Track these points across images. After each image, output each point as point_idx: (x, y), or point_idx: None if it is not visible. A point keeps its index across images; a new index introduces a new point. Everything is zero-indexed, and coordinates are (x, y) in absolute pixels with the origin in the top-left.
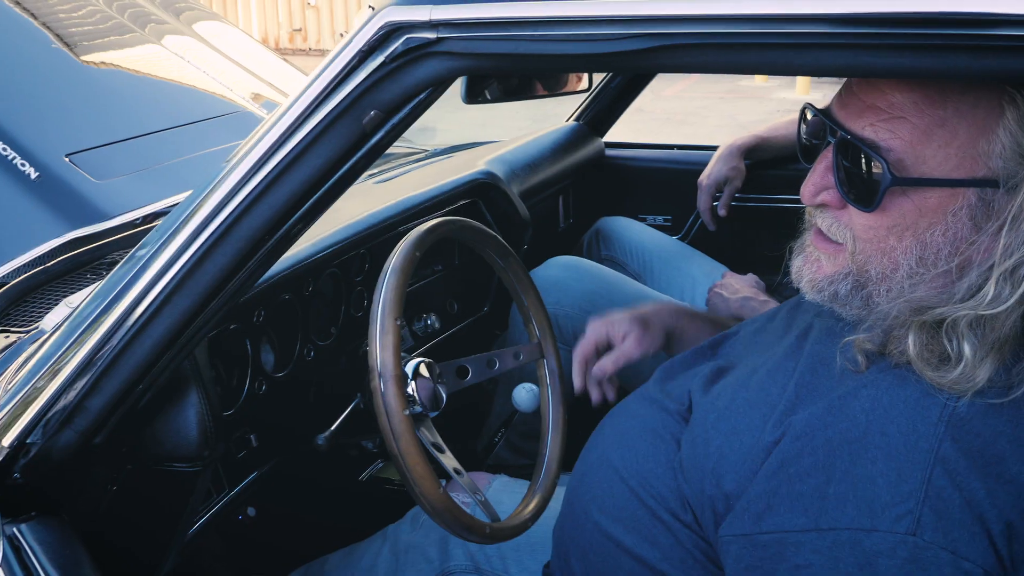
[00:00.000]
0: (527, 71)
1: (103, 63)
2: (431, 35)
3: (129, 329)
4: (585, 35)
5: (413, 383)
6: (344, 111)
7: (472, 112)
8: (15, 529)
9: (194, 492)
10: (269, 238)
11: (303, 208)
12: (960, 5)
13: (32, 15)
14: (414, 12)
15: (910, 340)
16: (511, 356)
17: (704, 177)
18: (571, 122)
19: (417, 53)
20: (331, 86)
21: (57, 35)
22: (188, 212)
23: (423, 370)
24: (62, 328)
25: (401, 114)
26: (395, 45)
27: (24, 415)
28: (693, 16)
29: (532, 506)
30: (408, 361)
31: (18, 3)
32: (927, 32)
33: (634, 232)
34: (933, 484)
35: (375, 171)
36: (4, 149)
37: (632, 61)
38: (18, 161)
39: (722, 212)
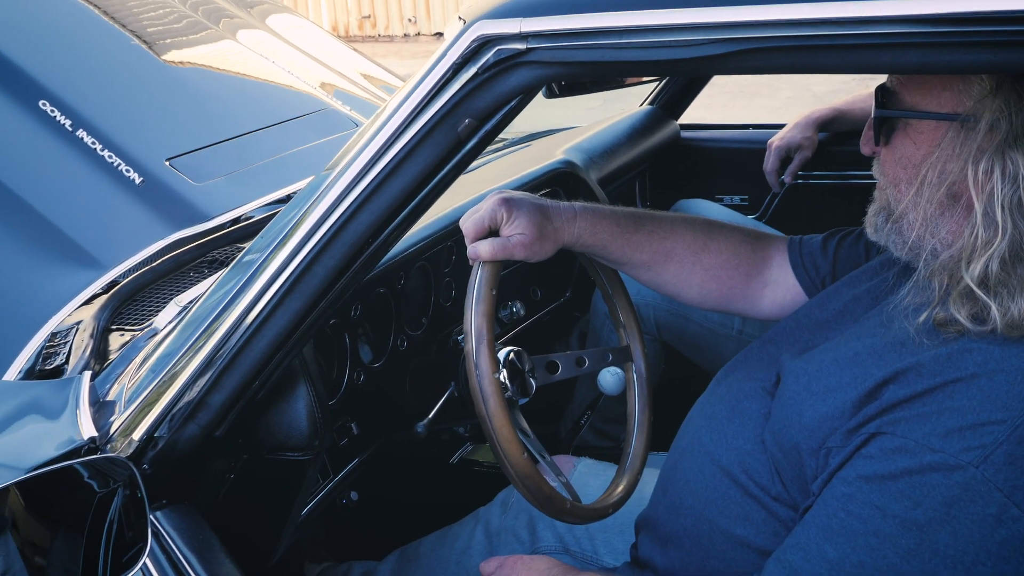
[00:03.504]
0: (613, 76)
1: (186, 62)
2: (521, 46)
3: (246, 330)
4: (666, 42)
5: (504, 370)
6: (440, 120)
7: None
8: (152, 517)
9: (305, 479)
10: (373, 241)
11: (404, 212)
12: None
13: (113, 18)
14: (505, 25)
15: (956, 312)
16: (600, 357)
17: (776, 139)
18: (646, 106)
19: (508, 64)
20: (428, 97)
21: (138, 36)
22: (296, 219)
23: (514, 358)
24: (178, 328)
25: (493, 121)
26: (487, 56)
27: (151, 411)
28: (769, 21)
29: (616, 494)
30: (500, 349)
31: (98, 7)
32: (998, 29)
33: (712, 213)
34: (1019, 431)
35: None
36: (110, 157)
37: (712, 65)
38: (123, 168)
39: (787, 179)
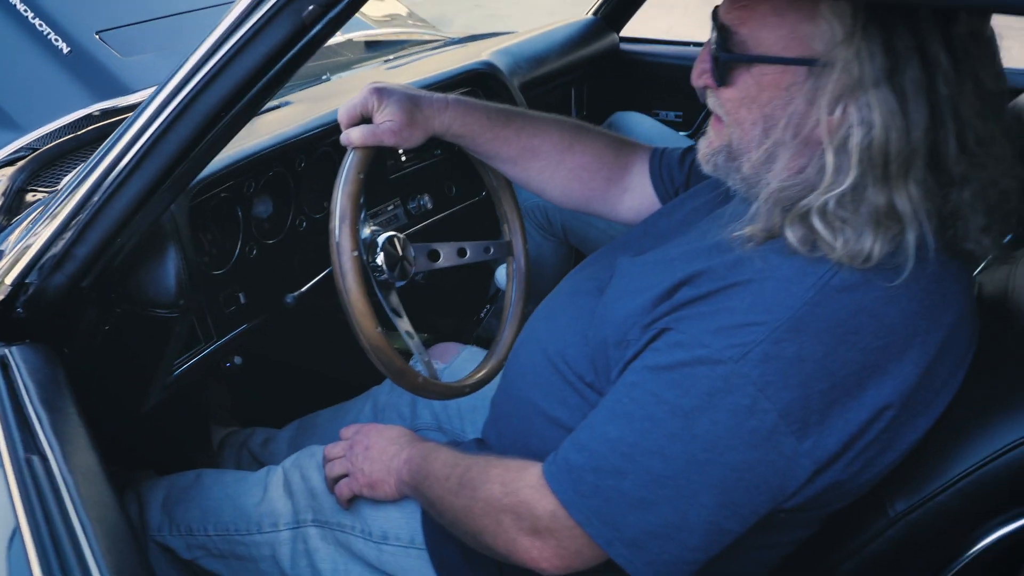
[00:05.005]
0: None
1: None
2: None
3: (107, 188)
4: None
5: (382, 253)
6: (285, 4)
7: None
8: (7, 351)
9: (171, 336)
10: (224, 115)
11: (252, 91)
12: None
13: None
14: None
15: (787, 233)
16: (482, 249)
17: None
18: (588, 16)
19: None
20: None
21: None
22: (157, 92)
23: (393, 244)
24: (63, 186)
25: (339, 8)
26: None
27: (23, 258)
28: None
29: (477, 376)
30: (381, 233)
31: None
32: None
33: (644, 128)
34: (776, 333)
35: (390, 56)
36: (40, 25)
37: None
38: (52, 37)
39: None
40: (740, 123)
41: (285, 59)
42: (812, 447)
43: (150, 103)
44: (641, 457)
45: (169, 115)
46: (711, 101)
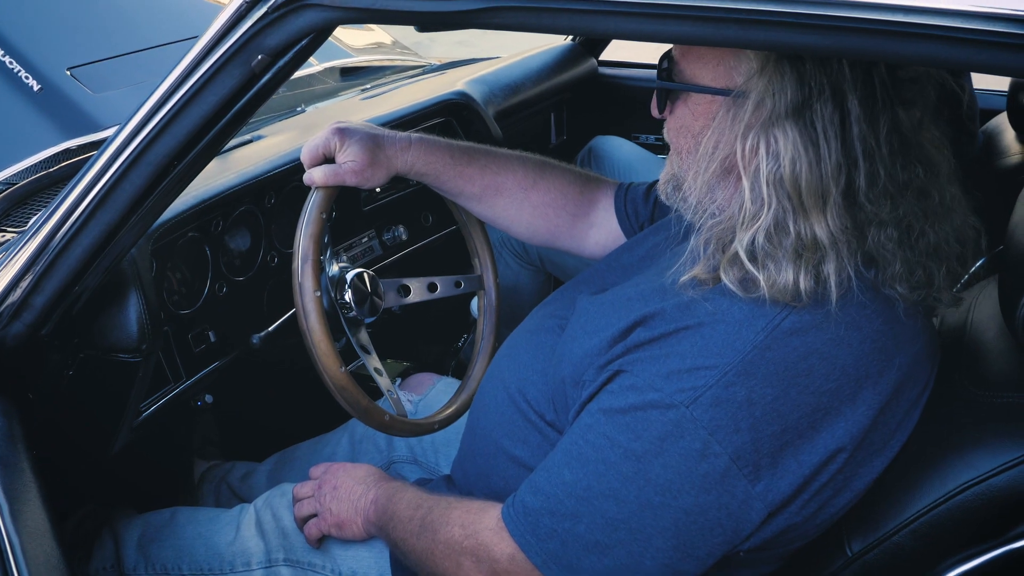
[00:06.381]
0: (392, 23)
1: None
2: None
3: (62, 238)
4: None
5: (350, 290)
6: (234, 55)
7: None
8: None
9: (136, 380)
10: (176, 164)
11: (204, 139)
12: None
13: None
14: None
15: (724, 277)
16: (452, 283)
17: None
18: (567, 42)
19: (296, 5)
20: (222, 31)
21: None
22: (111, 139)
23: (362, 280)
24: (27, 229)
25: (286, 58)
26: None
27: None
28: None
29: (447, 412)
30: (350, 270)
31: None
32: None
33: (624, 151)
34: (727, 377)
35: (367, 85)
36: (10, 63)
37: (471, 19)
38: (23, 74)
39: None
40: (679, 151)
41: (236, 108)
42: (765, 490)
43: (103, 152)
44: (596, 500)
45: (121, 164)
46: (664, 131)
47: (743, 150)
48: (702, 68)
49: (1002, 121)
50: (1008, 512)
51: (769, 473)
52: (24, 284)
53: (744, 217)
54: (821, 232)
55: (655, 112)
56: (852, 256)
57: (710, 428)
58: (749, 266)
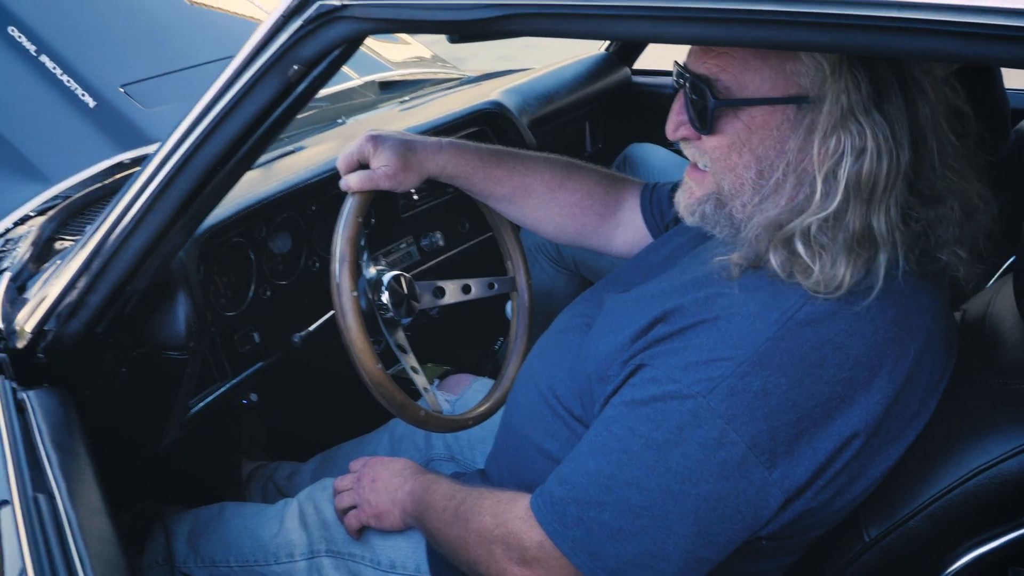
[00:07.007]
0: (416, 32)
1: None
2: (337, 2)
3: (115, 239)
4: (451, 4)
5: (387, 292)
6: (272, 65)
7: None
8: (25, 394)
9: (184, 376)
10: (220, 169)
11: (245, 146)
12: None
13: None
14: None
15: (771, 257)
16: (486, 285)
17: None
18: (601, 51)
19: (328, 17)
20: (261, 44)
21: None
22: (159, 148)
23: (398, 282)
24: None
25: (320, 68)
26: (310, 11)
27: (42, 306)
28: None
29: (480, 410)
30: (386, 272)
31: None
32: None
33: (658, 159)
34: (742, 368)
35: (405, 97)
36: (68, 81)
37: (491, 27)
38: (79, 91)
39: None
40: (732, 168)
41: (274, 115)
42: (781, 476)
43: (153, 158)
44: (619, 489)
45: (169, 171)
46: (690, 151)
47: (821, 151)
48: (754, 79)
49: None
50: (1020, 496)
51: (785, 460)
52: (81, 284)
53: (806, 208)
54: (879, 223)
55: (680, 134)
56: (903, 241)
57: (727, 417)
58: (802, 251)
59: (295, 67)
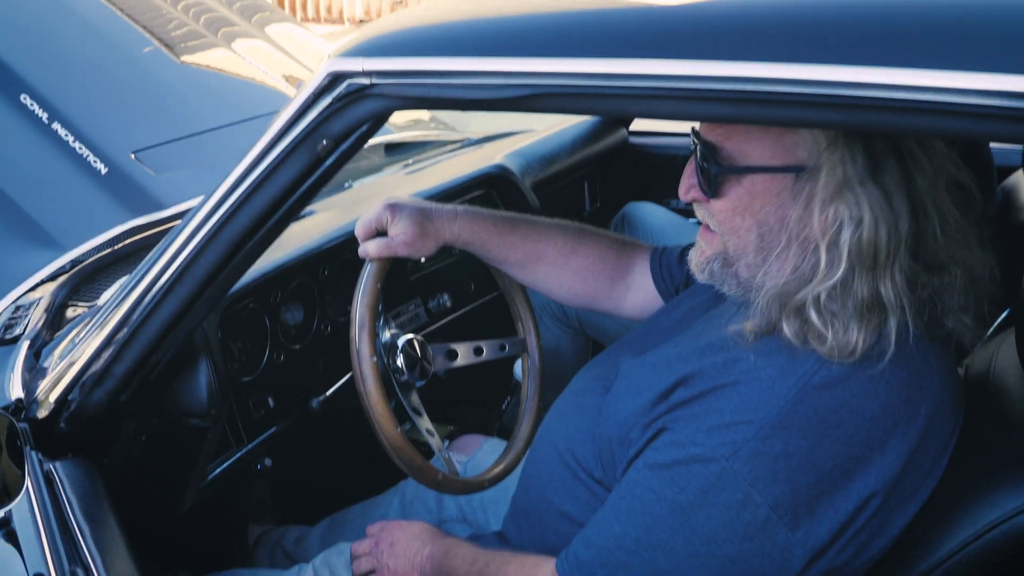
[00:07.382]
0: (443, 108)
1: (170, 65)
2: (366, 81)
3: (143, 311)
4: (476, 84)
5: (402, 355)
6: (302, 140)
7: None
8: (51, 466)
9: (205, 443)
10: (248, 240)
11: (274, 217)
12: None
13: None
14: (351, 63)
15: (785, 326)
16: (497, 347)
17: None
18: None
19: (357, 96)
20: (292, 120)
21: (121, 37)
22: (188, 219)
23: (412, 346)
24: (103, 306)
25: (349, 142)
26: (339, 89)
27: (66, 376)
28: (552, 72)
29: (495, 471)
30: (401, 336)
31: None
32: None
33: (656, 218)
34: (764, 431)
35: (409, 160)
36: (79, 148)
37: (512, 104)
38: (91, 159)
39: None
40: (735, 231)
41: (302, 188)
42: (804, 536)
43: (182, 230)
44: (645, 552)
45: (199, 242)
46: (701, 213)
47: (821, 220)
48: (755, 148)
49: (1020, 178)
50: None
51: (807, 520)
52: (107, 353)
53: (813, 277)
54: (886, 290)
55: (691, 196)
56: (911, 307)
57: (750, 479)
58: (815, 319)
59: (324, 142)
